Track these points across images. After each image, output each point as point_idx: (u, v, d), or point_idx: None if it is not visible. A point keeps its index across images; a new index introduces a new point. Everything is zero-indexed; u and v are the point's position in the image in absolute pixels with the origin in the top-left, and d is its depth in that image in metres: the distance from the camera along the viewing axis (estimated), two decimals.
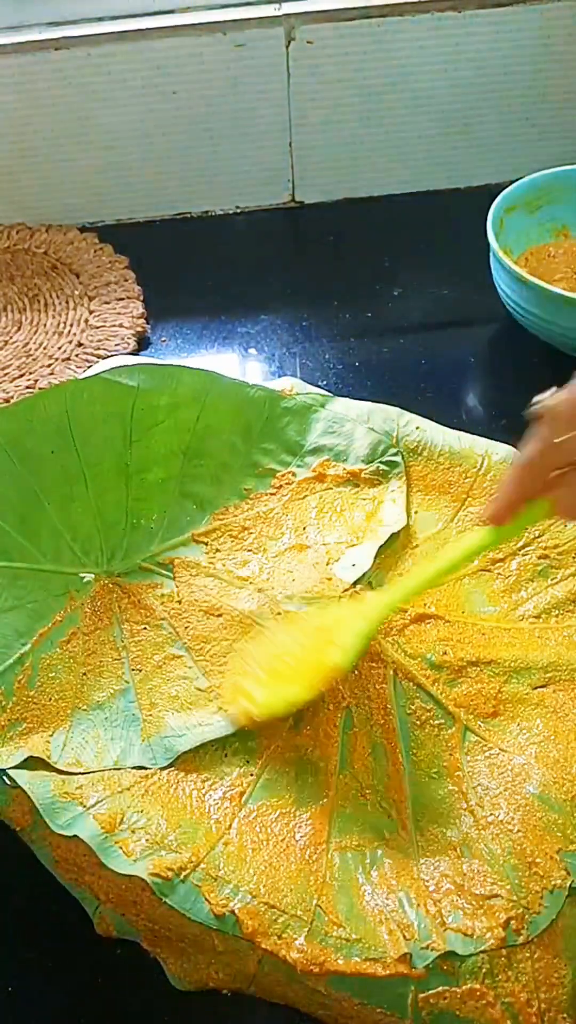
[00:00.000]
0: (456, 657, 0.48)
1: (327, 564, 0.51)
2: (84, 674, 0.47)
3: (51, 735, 0.45)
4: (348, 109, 0.82)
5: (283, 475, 0.55)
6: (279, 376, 0.70)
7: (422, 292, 0.78)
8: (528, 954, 0.39)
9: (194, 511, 0.53)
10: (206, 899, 0.41)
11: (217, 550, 0.51)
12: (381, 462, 0.54)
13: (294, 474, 0.54)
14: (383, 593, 0.47)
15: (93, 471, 0.53)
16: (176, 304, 0.78)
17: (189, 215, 0.88)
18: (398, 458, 0.54)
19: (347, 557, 0.51)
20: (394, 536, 0.52)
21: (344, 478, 0.54)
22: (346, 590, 0.49)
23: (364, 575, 0.50)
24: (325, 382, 0.70)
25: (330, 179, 0.86)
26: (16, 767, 0.44)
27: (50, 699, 0.47)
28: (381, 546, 0.51)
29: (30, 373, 0.73)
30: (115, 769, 0.44)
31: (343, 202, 0.88)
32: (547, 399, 0.42)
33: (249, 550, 0.51)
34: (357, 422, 0.56)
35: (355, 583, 0.50)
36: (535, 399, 0.42)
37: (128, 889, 0.42)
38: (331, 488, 0.54)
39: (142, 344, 0.76)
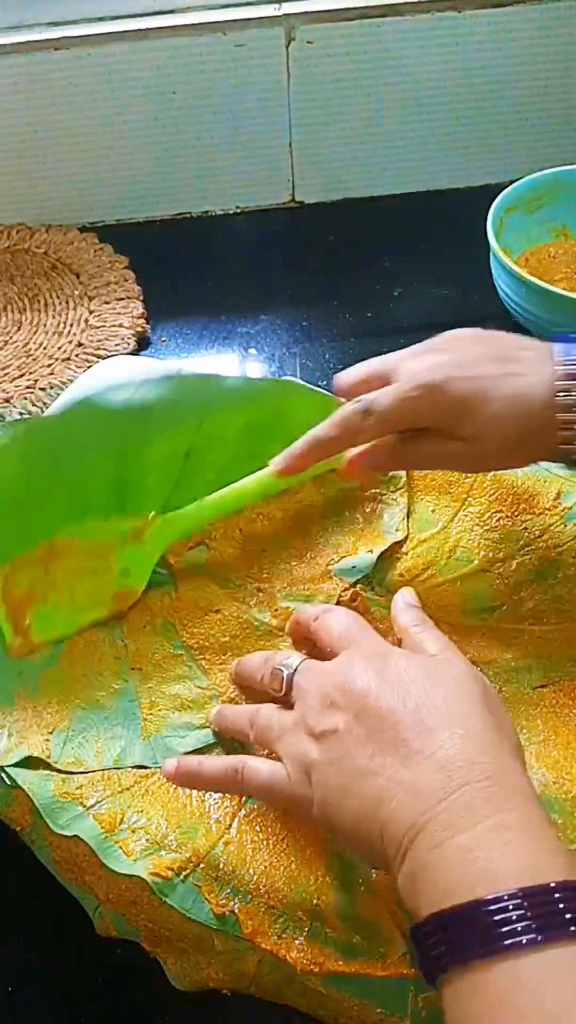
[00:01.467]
0: None
1: (327, 565, 0.51)
2: (84, 675, 0.47)
3: (51, 733, 0.45)
4: (348, 109, 0.82)
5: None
6: (279, 376, 0.70)
7: (422, 292, 0.78)
8: None
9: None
10: (206, 899, 0.41)
11: (216, 549, 0.51)
12: None
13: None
14: (169, 519, 0.49)
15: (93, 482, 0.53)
16: (176, 304, 0.78)
17: (189, 215, 0.88)
18: None
19: (347, 560, 0.51)
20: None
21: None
22: (346, 589, 0.49)
23: (364, 575, 0.50)
24: (325, 382, 0.70)
25: (330, 179, 0.87)
26: (16, 765, 0.44)
27: (50, 700, 0.47)
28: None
29: (30, 373, 0.73)
30: (115, 769, 0.44)
31: (343, 202, 0.88)
32: (379, 398, 0.45)
33: (249, 549, 0.51)
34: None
35: (355, 583, 0.50)
36: (363, 399, 0.45)
37: (128, 889, 0.42)
38: (333, 483, 0.54)
39: (142, 344, 0.76)
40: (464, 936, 0.30)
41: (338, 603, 0.49)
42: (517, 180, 0.72)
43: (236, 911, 0.40)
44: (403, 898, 0.34)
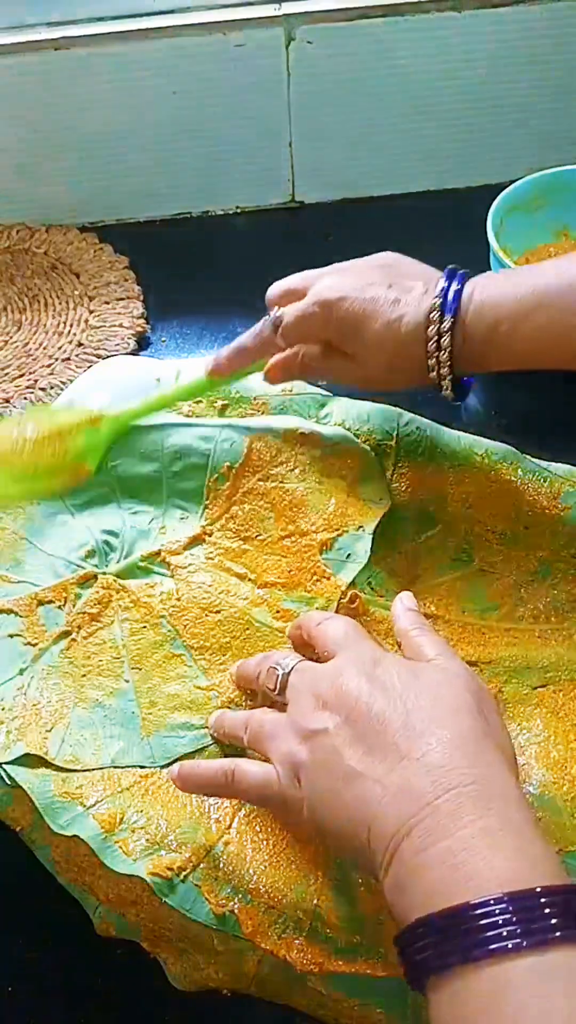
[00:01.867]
0: None
1: (320, 552, 0.50)
2: (84, 675, 0.47)
3: (49, 731, 0.45)
4: (348, 109, 0.82)
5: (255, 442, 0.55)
6: None
7: None
8: None
9: (187, 508, 0.53)
10: (206, 899, 0.41)
11: (213, 544, 0.51)
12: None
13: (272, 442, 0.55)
14: (120, 411, 0.54)
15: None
16: (176, 304, 0.78)
17: (189, 215, 0.88)
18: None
19: (339, 544, 0.51)
20: (390, 529, 0.52)
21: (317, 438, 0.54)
22: (344, 592, 0.49)
23: (362, 571, 0.50)
24: (325, 382, 0.70)
25: (330, 179, 0.86)
26: (14, 762, 0.44)
27: (49, 700, 0.47)
28: (374, 543, 0.51)
29: (30, 373, 0.73)
30: (114, 768, 0.44)
31: (343, 202, 0.88)
32: (287, 313, 0.51)
33: (243, 539, 0.51)
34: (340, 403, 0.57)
35: (353, 582, 0.50)
36: (273, 314, 0.52)
37: (128, 889, 0.42)
38: (307, 450, 0.54)
39: (142, 344, 0.76)
40: (450, 941, 0.30)
41: (338, 604, 0.49)
42: (517, 180, 0.72)
43: (236, 911, 0.40)
44: (390, 903, 0.34)
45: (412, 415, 0.56)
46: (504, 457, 0.54)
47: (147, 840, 0.42)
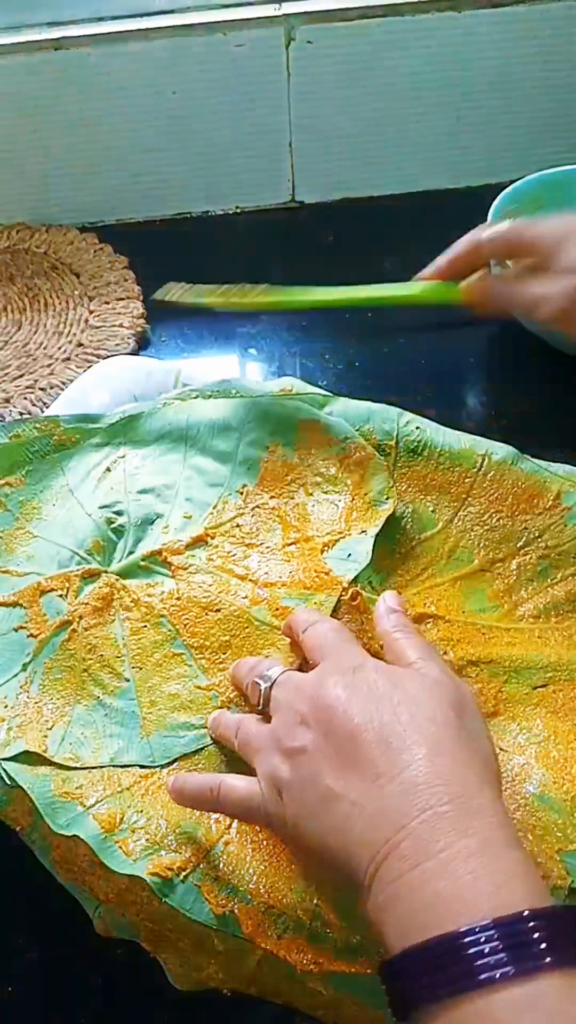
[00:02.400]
0: (456, 657, 0.48)
1: (321, 553, 0.50)
2: (84, 671, 0.47)
3: (50, 730, 0.45)
4: (348, 109, 0.82)
5: (271, 458, 0.55)
6: (279, 376, 0.70)
7: None
8: None
9: (192, 511, 0.53)
10: (206, 899, 0.41)
11: (216, 547, 0.51)
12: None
13: (286, 458, 0.55)
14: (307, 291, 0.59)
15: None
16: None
17: (189, 215, 0.88)
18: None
19: (341, 546, 0.51)
20: (390, 529, 0.52)
21: (326, 442, 0.54)
22: (346, 588, 0.49)
23: (363, 571, 0.50)
24: (325, 382, 0.70)
25: (330, 179, 0.86)
26: (14, 760, 0.44)
27: (50, 698, 0.47)
28: (376, 541, 0.51)
29: (30, 373, 0.73)
30: (113, 767, 0.44)
31: (343, 202, 0.88)
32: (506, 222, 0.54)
33: (247, 545, 0.51)
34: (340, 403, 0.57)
35: (354, 580, 0.50)
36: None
37: (128, 889, 0.42)
38: (316, 462, 0.54)
39: (142, 344, 0.76)
40: (437, 972, 0.29)
41: (339, 603, 0.49)
42: (517, 180, 0.72)
43: (236, 911, 0.40)
44: (373, 925, 0.33)
45: (412, 415, 0.56)
46: (504, 457, 0.54)
47: (147, 840, 0.42)
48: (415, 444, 0.55)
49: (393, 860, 0.32)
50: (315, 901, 0.41)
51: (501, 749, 0.45)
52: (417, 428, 0.55)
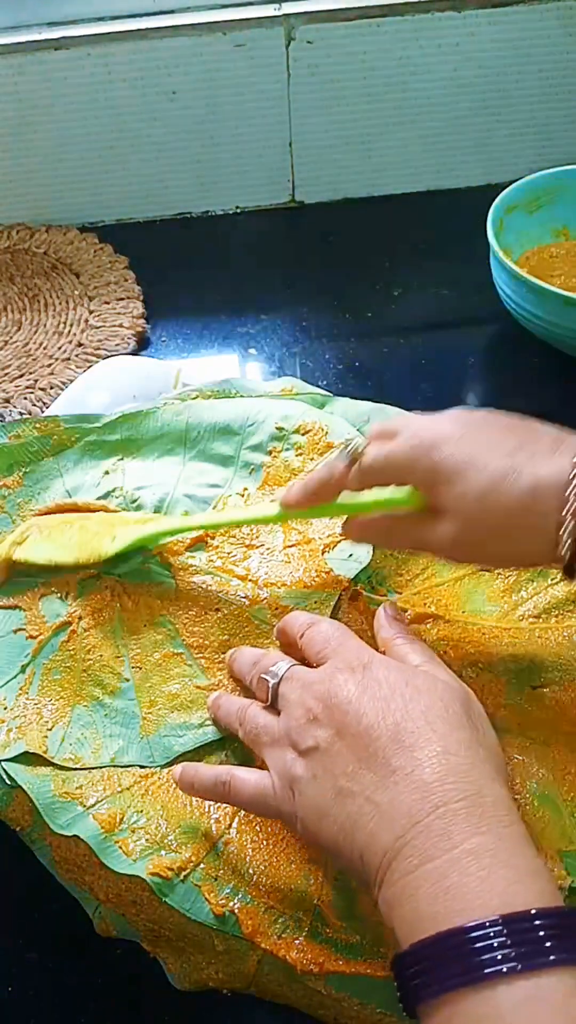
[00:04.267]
0: (456, 657, 0.48)
1: (322, 553, 0.50)
2: (84, 671, 0.47)
3: (50, 730, 0.45)
4: (348, 109, 0.82)
5: (272, 461, 0.55)
6: (279, 376, 0.70)
7: (422, 292, 0.78)
8: None
9: (192, 512, 0.53)
10: (206, 899, 0.41)
11: (216, 548, 0.51)
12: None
13: (286, 461, 0.55)
14: (169, 519, 0.52)
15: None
16: (176, 304, 0.78)
17: (189, 215, 0.88)
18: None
19: (342, 547, 0.51)
20: None
21: (327, 447, 0.54)
22: (346, 588, 0.49)
23: (364, 571, 0.50)
24: (325, 382, 0.70)
25: (330, 179, 0.87)
26: (14, 760, 0.44)
27: (50, 699, 0.47)
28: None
29: (30, 373, 0.73)
30: (113, 767, 0.44)
31: (343, 202, 0.88)
32: (367, 447, 0.43)
33: (247, 547, 0.51)
34: (340, 403, 0.57)
35: (355, 580, 0.50)
36: (351, 444, 0.44)
37: (128, 889, 0.42)
38: (317, 465, 0.54)
39: (142, 344, 0.76)
40: (446, 966, 0.30)
41: (339, 602, 0.49)
42: (517, 180, 0.72)
43: (236, 911, 0.40)
44: (384, 919, 0.34)
45: (412, 415, 0.56)
46: None
47: (147, 840, 0.42)
48: None
49: (406, 855, 0.33)
50: (315, 901, 0.41)
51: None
52: None
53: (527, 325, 0.68)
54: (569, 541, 0.36)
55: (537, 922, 0.29)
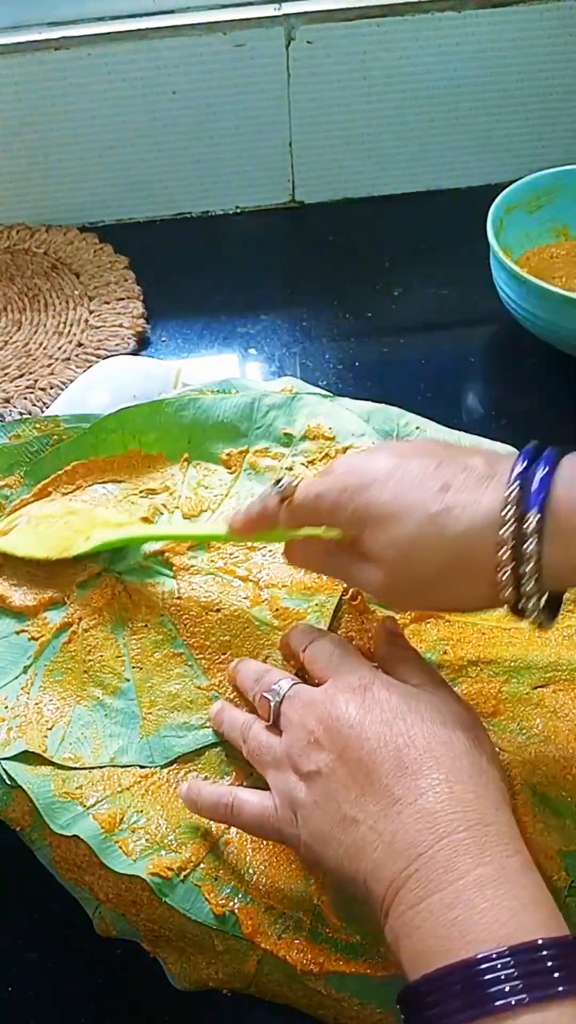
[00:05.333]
0: (456, 656, 0.48)
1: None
2: (84, 671, 0.48)
3: (50, 730, 0.45)
4: (348, 109, 0.82)
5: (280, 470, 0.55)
6: (279, 376, 0.70)
7: (422, 292, 0.78)
8: None
9: (193, 512, 0.53)
10: (206, 899, 0.41)
11: (217, 549, 0.51)
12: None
13: (291, 467, 0.55)
14: (141, 525, 0.52)
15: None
16: (176, 304, 0.78)
17: (189, 215, 0.88)
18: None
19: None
20: None
21: (329, 445, 0.54)
22: (346, 588, 0.49)
23: None
24: (325, 382, 0.70)
25: (330, 179, 0.87)
26: (14, 760, 0.44)
27: (51, 698, 0.47)
28: None
29: (30, 373, 0.73)
30: (113, 767, 0.44)
31: (343, 202, 0.88)
32: (300, 486, 0.40)
33: (249, 548, 0.51)
34: (340, 403, 0.56)
35: None
36: (283, 482, 0.41)
37: (128, 889, 0.42)
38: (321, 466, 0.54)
39: (142, 344, 0.76)
40: (453, 998, 0.30)
41: (339, 603, 0.49)
42: (517, 180, 0.72)
43: (236, 911, 0.40)
44: (391, 949, 0.34)
45: (412, 415, 0.56)
46: (504, 457, 0.54)
47: (147, 840, 0.42)
48: None
49: (411, 887, 0.33)
50: (315, 901, 0.41)
51: (501, 749, 0.45)
52: (417, 428, 0.55)
53: (527, 325, 0.68)
54: (510, 583, 0.34)
55: (543, 952, 0.29)
